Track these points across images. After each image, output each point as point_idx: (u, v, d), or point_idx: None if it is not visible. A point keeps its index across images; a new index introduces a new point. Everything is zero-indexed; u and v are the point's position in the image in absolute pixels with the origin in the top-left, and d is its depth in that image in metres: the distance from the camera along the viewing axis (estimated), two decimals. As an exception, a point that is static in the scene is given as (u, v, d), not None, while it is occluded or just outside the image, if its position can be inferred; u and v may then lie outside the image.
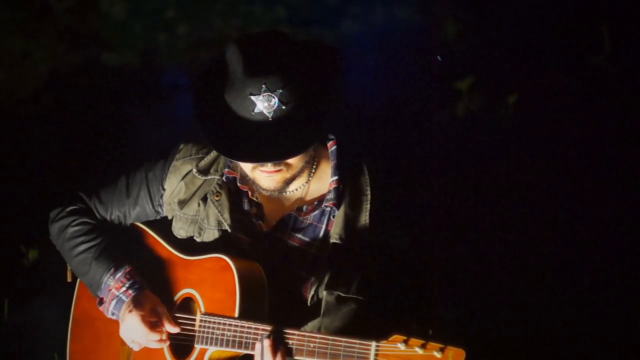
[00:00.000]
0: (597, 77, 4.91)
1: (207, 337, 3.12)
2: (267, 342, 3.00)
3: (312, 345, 2.98)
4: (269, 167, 3.11)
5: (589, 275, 4.65)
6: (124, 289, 3.24)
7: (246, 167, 3.17)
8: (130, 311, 3.19)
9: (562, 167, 4.82)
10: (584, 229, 4.74)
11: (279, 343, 3.01)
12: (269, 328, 3.04)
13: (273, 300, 3.13)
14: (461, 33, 5.08)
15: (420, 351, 2.81)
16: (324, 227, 3.21)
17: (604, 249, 4.69)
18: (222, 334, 3.09)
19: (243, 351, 3.08)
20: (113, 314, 3.26)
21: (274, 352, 3.00)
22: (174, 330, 3.20)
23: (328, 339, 2.96)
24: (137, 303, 3.20)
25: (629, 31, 4.88)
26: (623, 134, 4.80)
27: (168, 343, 3.21)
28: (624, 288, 4.59)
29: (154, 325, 3.19)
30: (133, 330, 3.19)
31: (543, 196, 4.81)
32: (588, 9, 4.91)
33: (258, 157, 3.08)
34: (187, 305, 3.23)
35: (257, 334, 3.05)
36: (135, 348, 3.25)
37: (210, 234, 3.26)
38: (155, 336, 3.18)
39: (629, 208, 4.73)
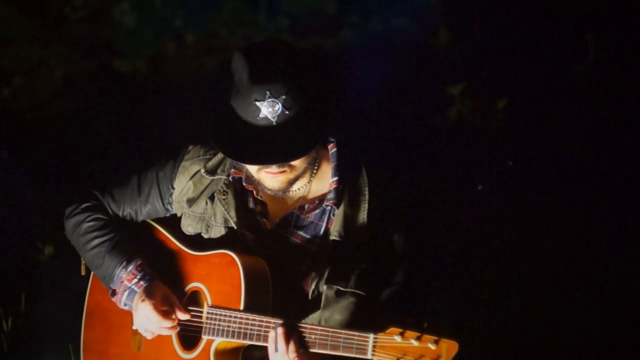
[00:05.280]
0: (582, 83, 4.88)
1: (213, 329, 3.19)
2: (280, 330, 3.05)
3: (313, 336, 3.04)
4: (273, 168, 3.17)
5: (581, 272, 4.64)
6: (135, 280, 3.29)
7: (252, 168, 3.24)
8: (143, 300, 3.24)
9: (550, 168, 4.81)
10: (573, 228, 4.71)
11: (291, 331, 3.05)
12: (272, 321, 3.08)
13: (276, 293, 3.19)
14: (453, 41, 5.08)
15: (415, 343, 2.87)
16: (324, 225, 3.27)
17: (593, 246, 4.65)
18: (228, 326, 3.15)
19: (248, 342, 3.14)
20: (125, 304, 3.31)
21: (287, 340, 3.04)
22: (185, 317, 3.25)
23: (328, 331, 3.02)
24: (149, 293, 3.25)
25: (612, 40, 4.83)
26: (608, 136, 4.78)
27: (178, 329, 3.26)
28: (619, 284, 4.59)
29: (166, 313, 3.24)
30: (146, 318, 3.25)
31: (533, 196, 4.79)
32: (574, 19, 4.90)
33: (263, 160, 3.14)
34: (195, 298, 3.28)
35: (261, 326, 3.11)
36: (149, 336, 3.29)
37: (217, 231, 3.32)
38: (167, 323, 3.24)
39: (618, 209, 4.73)
